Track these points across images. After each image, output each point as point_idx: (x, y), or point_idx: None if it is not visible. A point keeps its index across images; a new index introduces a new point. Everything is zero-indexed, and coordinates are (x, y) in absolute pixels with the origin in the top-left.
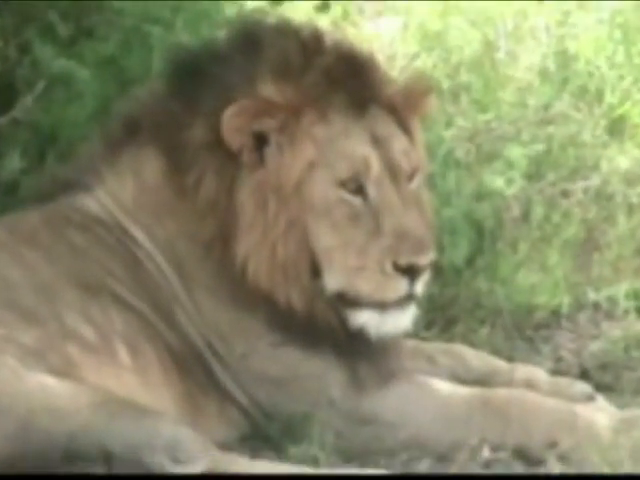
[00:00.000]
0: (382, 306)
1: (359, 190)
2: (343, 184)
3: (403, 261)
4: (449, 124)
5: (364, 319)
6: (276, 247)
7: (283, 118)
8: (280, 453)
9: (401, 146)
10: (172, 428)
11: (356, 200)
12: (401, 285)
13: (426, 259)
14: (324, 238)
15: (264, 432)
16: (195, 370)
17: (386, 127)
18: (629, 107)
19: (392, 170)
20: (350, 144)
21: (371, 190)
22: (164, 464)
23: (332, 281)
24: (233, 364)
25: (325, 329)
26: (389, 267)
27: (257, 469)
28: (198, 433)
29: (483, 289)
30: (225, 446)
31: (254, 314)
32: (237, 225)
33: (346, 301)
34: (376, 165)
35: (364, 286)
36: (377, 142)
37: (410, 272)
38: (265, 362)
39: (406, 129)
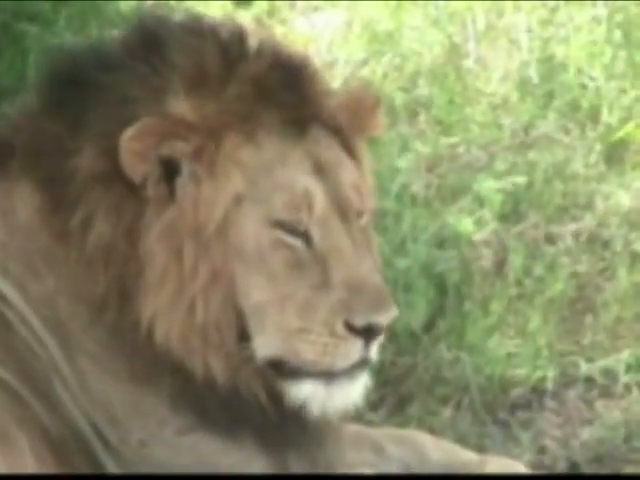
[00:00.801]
0: (329, 376)
1: (300, 232)
2: (280, 224)
3: (359, 321)
4: (404, 149)
5: (306, 392)
6: (194, 305)
7: (199, 141)
8: None
9: (350, 176)
10: None
11: (297, 243)
12: (354, 349)
13: (387, 317)
14: (255, 292)
15: None
16: (78, 461)
17: (331, 152)
18: (631, 129)
19: (340, 206)
20: (287, 173)
21: (315, 231)
22: None
23: (265, 346)
24: (128, 455)
25: (250, 408)
26: (340, 328)
27: None
28: None
29: (446, 359)
30: None
31: (157, 392)
32: (141, 278)
33: (283, 371)
34: (321, 200)
35: (307, 352)
36: (321, 171)
37: (367, 333)
38: (170, 452)
39: (352, 154)
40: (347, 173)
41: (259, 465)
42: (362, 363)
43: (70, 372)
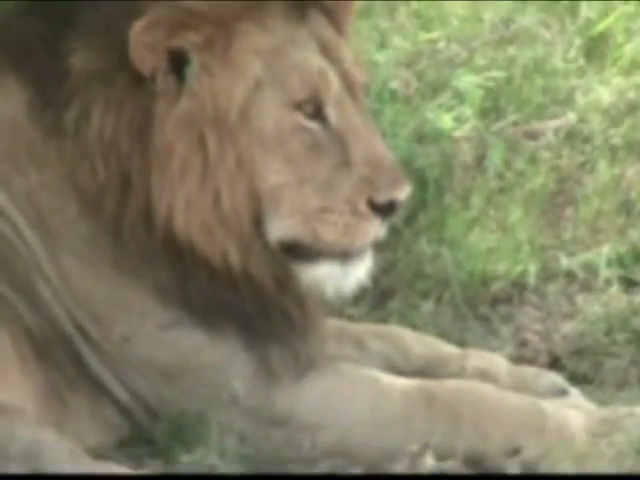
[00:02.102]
0: (345, 256)
1: (317, 113)
2: (298, 106)
3: (382, 197)
4: (383, 45)
5: (322, 273)
6: (220, 194)
7: (209, 31)
8: (168, 461)
9: (350, 54)
10: (31, 431)
11: (315, 126)
12: (373, 228)
13: (405, 193)
14: (273, 176)
15: (148, 435)
16: (61, 358)
17: (330, 32)
18: (612, 21)
19: (348, 84)
20: (300, 55)
21: (331, 112)
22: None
23: (280, 229)
24: (110, 351)
25: (251, 296)
26: (363, 206)
27: None
28: (64, 437)
29: (426, 254)
30: (99, 453)
31: (141, 287)
32: (155, 170)
33: (298, 253)
34: (334, 79)
35: (327, 232)
36: (326, 51)
37: (386, 211)
38: (151, 347)
39: (344, 35)
40: (347, 51)
41: (242, 361)
42: (373, 242)
43: (52, 269)
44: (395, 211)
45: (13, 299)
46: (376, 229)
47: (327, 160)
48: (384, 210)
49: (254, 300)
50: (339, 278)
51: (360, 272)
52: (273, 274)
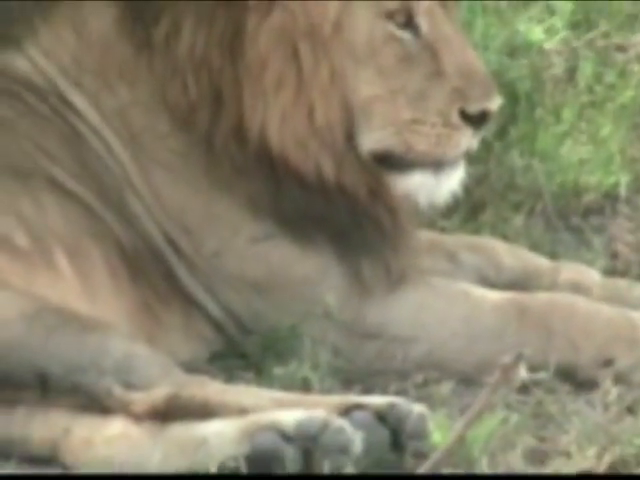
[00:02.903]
0: (437, 165)
1: (408, 23)
2: (390, 15)
3: (474, 108)
4: None
5: (415, 183)
6: (314, 108)
7: None
8: (261, 375)
9: None
10: (123, 345)
11: (407, 36)
12: (465, 138)
13: (497, 103)
14: (366, 87)
15: (241, 349)
16: (153, 274)
17: None
18: None
19: None
20: None
21: (423, 21)
22: (112, 389)
23: (373, 140)
24: (202, 264)
25: (346, 208)
26: (455, 116)
27: (231, 395)
28: (156, 351)
29: (518, 166)
30: (192, 367)
31: (233, 200)
32: (247, 85)
33: (390, 164)
34: None
35: (420, 143)
36: None
37: (478, 121)
38: (242, 261)
39: None
40: None
41: (334, 274)
42: (465, 154)
43: (144, 185)
44: (487, 122)
45: (105, 215)
46: (468, 140)
47: (419, 71)
48: (476, 120)
49: (347, 212)
50: (432, 188)
51: (453, 182)
52: (366, 186)
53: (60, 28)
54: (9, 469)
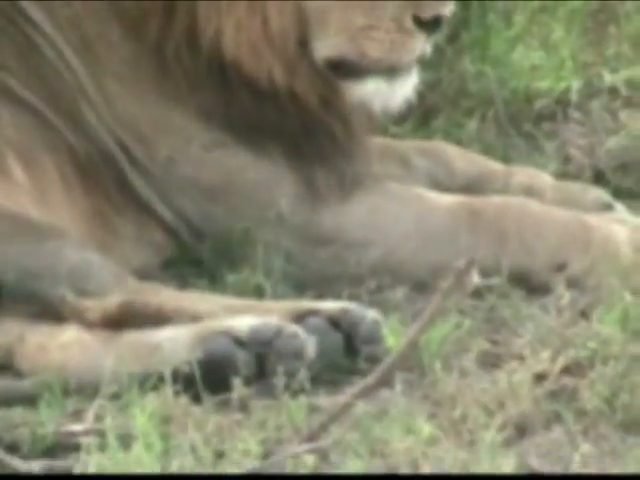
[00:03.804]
0: (392, 72)
1: None
2: None
3: (427, 13)
4: None
5: (369, 90)
6: (268, 15)
7: None
8: (215, 281)
9: None
10: (77, 253)
11: None
12: (419, 44)
13: (449, 8)
14: None
15: (194, 255)
16: (106, 181)
17: None
18: None
19: None
20: None
21: None
22: (66, 296)
23: (326, 47)
24: (155, 171)
25: (296, 116)
26: (409, 22)
27: (185, 302)
28: (110, 259)
29: (470, 72)
30: (145, 274)
31: (186, 108)
32: None
33: (344, 71)
34: None
35: (374, 48)
36: None
37: (432, 27)
38: (197, 167)
39: None
40: None
41: (287, 180)
42: (418, 60)
43: (97, 93)
44: (440, 27)
45: (59, 124)
46: (421, 45)
47: None
48: (429, 26)
49: (299, 119)
50: (385, 95)
51: (406, 88)
52: (318, 93)
53: None
54: None
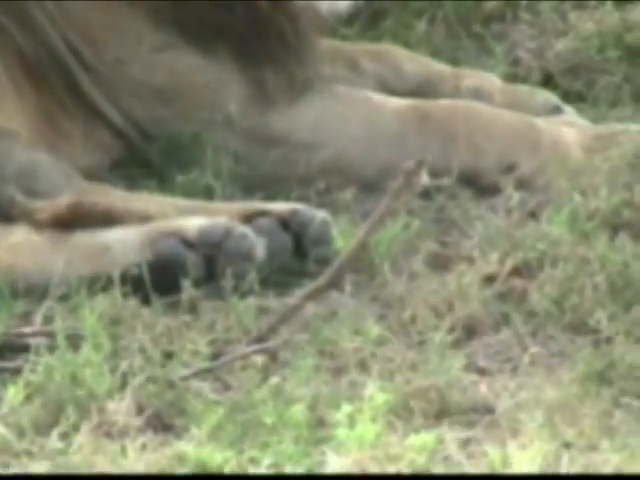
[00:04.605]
0: None
1: None
2: None
3: None
4: None
5: None
6: None
7: None
8: (164, 182)
9: None
10: (25, 153)
11: None
12: None
13: None
14: None
15: (143, 156)
16: (55, 83)
17: None
18: None
19: None
20: None
21: None
22: (15, 197)
23: None
24: (104, 73)
25: (240, 15)
26: None
27: (135, 202)
28: (58, 159)
29: None
30: (94, 175)
31: (134, 9)
32: None
33: None
34: None
35: None
36: None
37: None
38: (145, 69)
39: None
40: None
41: (236, 82)
42: None
43: None
44: None
45: (6, 24)
46: None
47: None
48: None
49: (248, 21)
50: None
51: None
52: None
53: None
54: None
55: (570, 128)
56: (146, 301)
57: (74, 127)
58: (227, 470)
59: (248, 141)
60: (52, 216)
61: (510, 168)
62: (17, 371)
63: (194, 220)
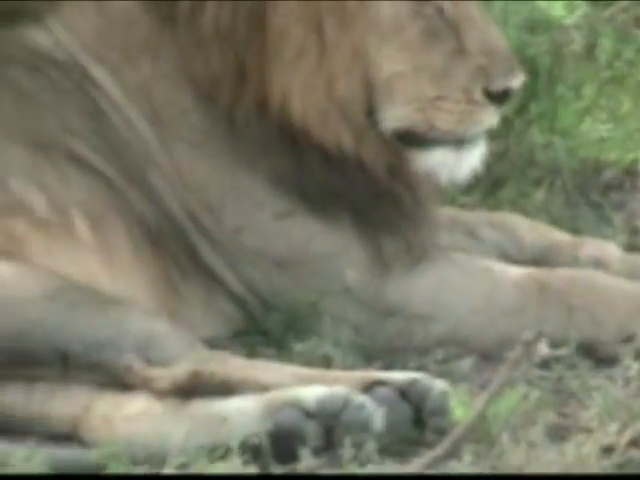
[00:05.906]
0: (459, 143)
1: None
2: None
3: (497, 86)
4: None
5: (436, 160)
6: (334, 80)
7: None
8: (283, 351)
9: None
10: (144, 321)
11: (430, 11)
12: (487, 116)
13: (519, 81)
14: (388, 64)
15: (262, 326)
16: (175, 249)
17: None
18: None
19: None
20: None
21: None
22: (133, 366)
23: (394, 118)
24: (223, 240)
25: (361, 184)
26: (478, 94)
27: (253, 371)
28: (178, 327)
29: (538, 143)
30: (214, 344)
31: (255, 176)
32: (271, 57)
33: (411, 141)
34: None
35: (443, 119)
36: None
37: (501, 99)
38: (264, 237)
39: None
40: None
41: (354, 250)
42: (486, 131)
43: (166, 160)
44: (509, 99)
45: (127, 190)
46: (490, 117)
47: (442, 48)
48: (499, 98)
49: (367, 188)
50: (453, 165)
51: (474, 159)
52: (386, 161)
53: (82, 2)
54: (28, 446)
55: None
56: (265, 469)
57: (194, 294)
58: None
59: (365, 310)
60: (172, 385)
61: (628, 338)
62: None
63: (313, 390)
